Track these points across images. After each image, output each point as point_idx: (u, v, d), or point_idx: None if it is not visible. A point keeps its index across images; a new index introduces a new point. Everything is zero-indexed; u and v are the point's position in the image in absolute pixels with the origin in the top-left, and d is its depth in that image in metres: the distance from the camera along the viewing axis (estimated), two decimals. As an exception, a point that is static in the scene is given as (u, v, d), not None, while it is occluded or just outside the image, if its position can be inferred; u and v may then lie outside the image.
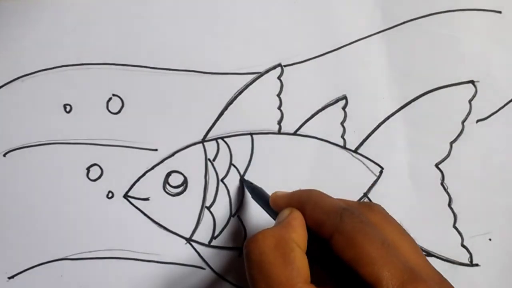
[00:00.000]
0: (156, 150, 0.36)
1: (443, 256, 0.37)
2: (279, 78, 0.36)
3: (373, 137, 0.37)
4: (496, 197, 0.37)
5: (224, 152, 0.36)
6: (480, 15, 0.37)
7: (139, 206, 0.36)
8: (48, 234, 0.35)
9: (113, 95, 0.35)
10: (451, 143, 0.37)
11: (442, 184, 0.37)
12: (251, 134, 0.36)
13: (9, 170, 0.35)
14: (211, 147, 0.36)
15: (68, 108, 0.35)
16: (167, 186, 0.36)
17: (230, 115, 0.36)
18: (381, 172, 0.37)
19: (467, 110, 0.37)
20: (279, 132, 0.36)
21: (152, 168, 0.36)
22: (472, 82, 0.37)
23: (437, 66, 0.37)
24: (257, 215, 0.36)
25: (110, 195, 0.35)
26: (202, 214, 0.36)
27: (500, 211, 0.37)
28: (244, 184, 0.35)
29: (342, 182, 0.37)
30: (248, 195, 0.36)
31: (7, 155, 0.35)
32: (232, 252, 0.36)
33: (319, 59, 0.37)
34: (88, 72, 0.35)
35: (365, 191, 0.37)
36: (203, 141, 0.36)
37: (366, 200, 0.37)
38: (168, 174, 0.36)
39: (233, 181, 0.36)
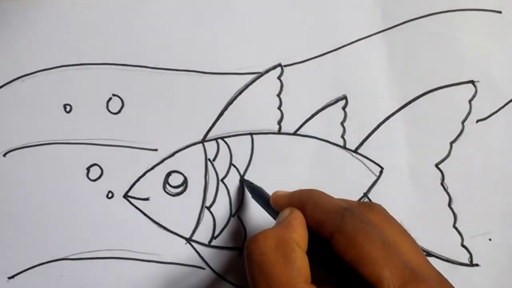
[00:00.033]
0: (156, 150, 0.36)
1: (443, 256, 0.37)
2: (279, 78, 0.36)
3: (373, 137, 0.37)
4: (496, 197, 0.37)
5: (224, 152, 0.36)
6: (480, 15, 0.37)
7: (139, 206, 0.36)
8: (48, 234, 0.35)
9: (113, 95, 0.35)
10: (451, 143, 0.37)
11: (442, 184, 0.37)
12: (251, 134, 0.36)
13: (9, 170, 0.35)
14: (211, 147, 0.36)
15: (68, 108, 0.35)
16: (167, 186, 0.36)
17: (230, 115, 0.36)
18: (381, 172, 0.37)
19: (467, 110, 0.37)
20: (279, 132, 0.36)
21: (152, 168, 0.36)
22: (472, 82, 0.37)
23: (437, 66, 0.37)
24: (257, 215, 0.36)
25: (110, 195, 0.35)
26: (202, 214, 0.36)
27: (500, 211, 0.37)
28: (244, 184, 0.35)
29: (342, 182, 0.37)
30: (248, 195, 0.36)
31: (7, 155, 0.35)
32: (232, 252, 0.36)
33: (319, 59, 0.37)
34: (88, 72, 0.35)
35: (365, 191, 0.37)
36: (203, 141, 0.36)
37: (366, 200, 0.37)
38: (168, 174, 0.36)
39: (233, 181, 0.36)
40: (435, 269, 0.24)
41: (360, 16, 0.37)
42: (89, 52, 0.35)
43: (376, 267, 0.22)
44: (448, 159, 0.37)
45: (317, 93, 0.37)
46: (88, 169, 0.35)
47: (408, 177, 0.37)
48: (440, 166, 0.37)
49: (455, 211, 0.37)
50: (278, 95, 0.36)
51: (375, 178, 0.37)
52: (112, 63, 0.35)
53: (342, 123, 0.37)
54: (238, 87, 0.36)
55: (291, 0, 0.36)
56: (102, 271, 0.35)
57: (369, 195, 0.37)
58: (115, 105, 0.36)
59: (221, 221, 0.36)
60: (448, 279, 0.24)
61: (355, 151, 0.37)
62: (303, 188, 0.29)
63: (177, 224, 0.36)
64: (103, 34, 0.35)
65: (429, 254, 0.37)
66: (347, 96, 0.37)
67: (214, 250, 0.36)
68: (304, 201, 0.26)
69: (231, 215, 0.36)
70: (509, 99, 0.37)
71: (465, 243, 0.37)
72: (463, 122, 0.37)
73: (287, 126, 0.37)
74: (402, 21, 0.37)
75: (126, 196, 0.35)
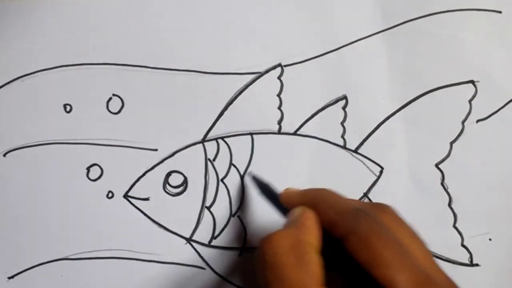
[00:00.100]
0: (156, 150, 0.36)
1: (443, 256, 0.37)
2: (279, 78, 0.36)
3: (373, 137, 0.37)
4: (496, 197, 0.37)
5: (224, 152, 0.36)
6: (480, 15, 0.37)
7: (139, 206, 0.36)
8: (48, 234, 0.35)
9: (113, 95, 0.35)
10: (451, 143, 0.37)
11: (442, 184, 0.37)
12: (251, 134, 0.36)
13: (9, 170, 0.35)
14: (211, 147, 0.36)
15: (68, 108, 0.35)
16: (167, 186, 0.36)
17: (230, 115, 0.36)
18: (381, 172, 0.37)
19: (467, 110, 0.37)
20: (279, 132, 0.36)
21: (152, 168, 0.36)
22: (472, 82, 0.37)
23: (437, 66, 0.37)
24: (257, 215, 0.36)
25: (110, 195, 0.35)
26: (202, 214, 0.36)
27: (500, 211, 0.37)
28: (251, 179, 0.35)
29: (342, 182, 0.37)
30: (248, 195, 0.36)
31: (7, 155, 0.35)
32: (232, 252, 0.36)
33: (319, 59, 0.37)
34: (88, 72, 0.35)
35: (365, 191, 0.37)
36: (203, 141, 0.36)
37: (366, 200, 0.37)
38: (168, 174, 0.36)
39: (233, 181, 0.36)
40: (445, 273, 0.24)
41: (360, 16, 0.37)
42: (89, 52, 0.35)
43: (390, 270, 0.21)
44: (448, 159, 0.37)
45: (317, 93, 0.37)
46: (88, 169, 0.35)
47: (408, 177, 0.37)
48: (440, 166, 0.37)
49: (455, 211, 0.37)
50: (278, 95, 0.36)
51: (375, 178, 0.37)
52: (112, 63, 0.35)
53: (342, 123, 0.37)
54: (238, 87, 0.36)
55: (291, 0, 0.36)
56: (102, 271, 0.35)
57: (369, 195, 0.37)
58: (115, 105, 0.36)
59: (221, 221, 0.36)
60: (449, 280, 0.24)
61: (355, 151, 0.37)
62: (303, 187, 0.29)
63: (177, 224, 0.36)
64: (103, 34, 0.35)
65: (429, 254, 0.37)
66: (347, 96, 0.37)
67: (214, 250, 0.36)
68: (317, 200, 0.26)
69: (231, 215, 0.36)
70: (509, 99, 0.37)
71: (465, 243, 0.37)
72: (463, 122, 0.37)
73: (287, 126, 0.36)
74: (402, 21, 0.37)
75: (126, 196, 0.35)
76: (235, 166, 0.36)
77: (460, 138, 0.37)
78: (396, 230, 0.24)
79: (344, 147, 0.37)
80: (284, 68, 0.36)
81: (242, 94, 0.36)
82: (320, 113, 0.37)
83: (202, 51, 0.36)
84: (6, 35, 0.35)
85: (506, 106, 0.37)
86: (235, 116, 0.36)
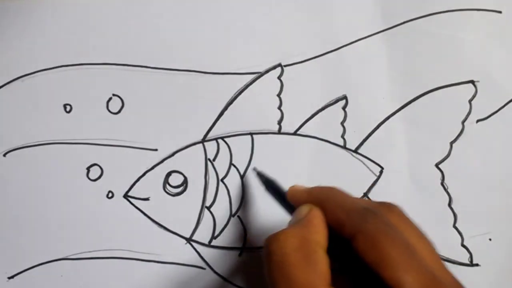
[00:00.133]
0: (156, 150, 0.36)
1: (443, 256, 0.37)
2: (279, 78, 0.36)
3: (373, 137, 0.37)
4: (496, 197, 0.37)
5: (224, 152, 0.36)
6: (480, 15, 0.37)
7: (139, 206, 0.36)
8: (48, 234, 0.35)
9: (113, 95, 0.35)
10: (451, 143, 0.37)
11: (442, 184, 0.37)
12: (251, 134, 0.36)
13: (9, 170, 0.35)
14: (211, 147, 0.36)
15: (68, 108, 0.35)
16: (167, 186, 0.36)
17: (230, 115, 0.36)
18: (381, 172, 0.37)
19: (467, 110, 0.37)
20: (279, 132, 0.36)
21: (152, 168, 0.36)
22: (472, 82, 0.37)
23: (437, 66, 0.37)
24: (257, 215, 0.36)
25: (110, 195, 0.35)
26: (202, 214, 0.36)
27: (500, 211, 0.37)
28: (257, 175, 0.35)
29: (342, 182, 0.37)
30: (248, 195, 0.36)
31: (7, 155, 0.35)
32: (232, 252, 0.36)
33: (319, 59, 0.37)
34: (88, 72, 0.35)
35: (365, 191, 0.37)
36: (203, 141, 0.36)
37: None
38: (168, 174, 0.36)
39: (233, 181, 0.36)
40: (452, 274, 0.24)
41: (360, 16, 0.37)
42: (89, 52, 0.35)
43: (398, 271, 0.21)
44: (448, 159, 0.37)
45: (317, 93, 0.37)
46: (88, 169, 0.35)
47: (408, 177, 0.37)
48: (440, 166, 0.37)
49: (455, 211, 0.37)
50: (278, 95, 0.36)
51: (375, 178, 0.37)
52: (112, 63, 0.35)
53: (342, 123, 0.37)
54: (238, 87, 0.36)
55: (291, 0, 0.36)
56: (102, 271, 0.35)
57: (369, 195, 0.37)
58: (115, 105, 0.36)
59: (221, 221, 0.36)
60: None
61: (355, 151, 0.37)
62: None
63: (177, 224, 0.36)
64: (103, 34, 0.35)
65: (429, 254, 0.37)
66: (347, 96, 0.37)
67: (214, 250, 0.36)
68: (324, 199, 0.26)
69: (231, 215, 0.36)
70: (509, 99, 0.37)
71: (465, 243, 0.37)
72: (463, 122, 0.37)
73: (287, 126, 0.36)
74: (402, 21, 0.37)
75: (126, 196, 0.35)
76: (235, 166, 0.36)
77: (460, 138, 0.37)
78: (404, 230, 0.24)
79: (344, 147, 0.37)
80: (284, 68, 0.36)
81: (242, 94, 0.36)
82: (320, 113, 0.37)
83: (202, 51, 0.36)
84: (6, 35, 0.35)
85: (506, 106, 0.37)
86: (235, 116, 0.36)
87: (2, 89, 0.35)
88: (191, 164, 0.36)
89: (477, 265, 0.37)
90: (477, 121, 0.37)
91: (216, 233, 0.36)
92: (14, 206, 0.35)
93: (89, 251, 0.35)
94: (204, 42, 0.36)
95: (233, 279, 0.36)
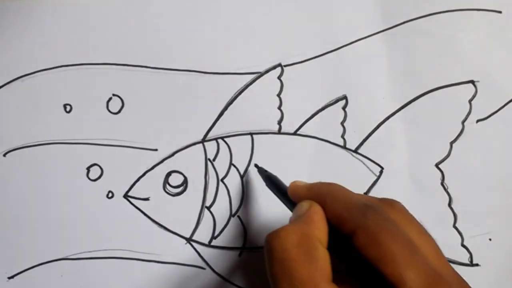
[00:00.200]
0: (156, 150, 0.36)
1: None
2: (279, 78, 0.36)
3: (373, 137, 0.37)
4: (496, 197, 0.37)
5: (224, 152, 0.36)
6: (480, 15, 0.37)
7: (139, 206, 0.36)
8: (48, 234, 0.35)
9: (113, 95, 0.35)
10: (451, 143, 0.37)
11: (442, 184, 0.37)
12: (251, 134, 0.36)
13: (9, 170, 0.35)
14: (211, 147, 0.36)
15: (68, 108, 0.35)
16: (167, 186, 0.36)
17: (230, 115, 0.36)
18: (381, 172, 0.37)
19: (467, 110, 0.37)
20: (279, 132, 0.36)
21: (152, 168, 0.36)
22: (472, 82, 0.37)
23: (437, 66, 0.37)
24: (257, 215, 0.36)
25: (110, 195, 0.35)
26: (202, 214, 0.36)
27: (500, 211, 0.37)
28: (258, 171, 0.35)
29: (342, 182, 0.36)
30: (248, 195, 0.36)
31: (7, 155, 0.35)
32: (232, 252, 0.36)
33: (319, 59, 0.37)
34: (88, 72, 0.35)
35: (365, 191, 0.37)
36: (203, 141, 0.36)
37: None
38: (168, 174, 0.36)
39: (233, 181, 0.36)
40: (454, 270, 0.24)
41: (360, 16, 0.37)
42: (89, 52, 0.35)
43: (399, 267, 0.21)
44: (448, 159, 0.37)
45: (317, 93, 0.37)
46: (88, 169, 0.35)
47: (408, 177, 0.37)
48: (440, 166, 0.37)
49: (455, 211, 0.37)
50: (278, 95, 0.36)
51: (375, 178, 0.37)
52: (112, 63, 0.35)
53: (342, 123, 0.37)
54: (238, 87, 0.36)
55: (291, 0, 0.36)
56: (102, 271, 0.35)
57: (369, 195, 0.37)
58: (115, 105, 0.36)
59: (221, 221, 0.36)
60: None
61: (355, 151, 0.37)
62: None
63: (177, 224, 0.36)
64: (103, 34, 0.35)
65: (429, 254, 0.37)
66: (347, 96, 0.37)
67: (214, 250, 0.36)
68: (324, 195, 0.26)
69: (231, 215, 0.36)
70: (509, 99, 0.37)
71: (465, 243, 0.37)
72: (463, 122, 0.37)
73: (287, 126, 0.36)
74: (402, 21, 0.37)
75: (126, 196, 0.35)
76: (235, 166, 0.36)
77: (460, 138, 0.37)
78: (405, 226, 0.24)
79: (344, 147, 0.37)
80: (284, 68, 0.36)
81: (242, 94, 0.36)
82: (320, 113, 0.37)
83: (202, 51, 0.36)
84: (6, 35, 0.35)
85: (506, 106, 0.37)
86: (235, 116, 0.36)
87: (2, 89, 0.35)
88: (191, 164, 0.36)
89: (477, 265, 0.37)
90: (477, 121, 0.37)
91: (216, 233, 0.36)
92: (14, 206, 0.35)
93: (89, 251, 0.35)
94: (204, 42, 0.36)
95: (233, 279, 0.36)
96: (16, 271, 0.35)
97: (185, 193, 0.36)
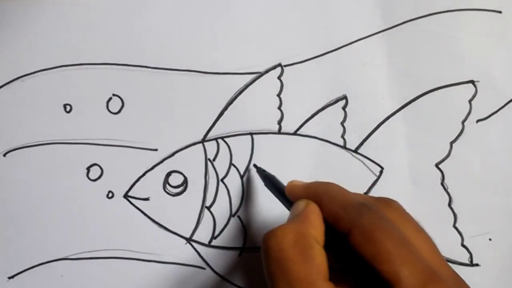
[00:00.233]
0: (156, 150, 0.36)
1: (443, 256, 0.37)
2: (279, 78, 0.36)
3: (373, 137, 0.37)
4: (496, 197, 0.37)
5: (224, 152, 0.36)
6: (480, 15, 0.37)
7: (139, 206, 0.36)
8: (48, 234, 0.35)
9: (113, 95, 0.35)
10: (451, 143, 0.37)
11: (442, 184, 0.37)
12: (251, 134, 0.36)
13: (9, 170, 0.35)
14: (211, 147, 0.36)
15: (68, 108, 0.35)
16: (167, 186, 0.36)
17: (230, 115, 0.36)
18: (381, 172, 0.37)
19: (467, 110, 0.37)
20: (279, 132, 0.36)
21: (152, 168, 0.36)
22: (472, 82, 0.37)
23: (437, 66, 0.37)
24: (257, 215, 0.36)
25: (110, 195, 0.35)
26: (202, 214, 0.36)
27: (500, 211, 0.37)
28: (257, 171, 0.35)
29: (342, 182, 0.36)
30: (248, 195, 0.36)
31: (7, 155, 0.35)
32: (232, 252, 0.36)
33: (319, 59, 0.37)
34: (88, 72, 0.35)
35: (365, 191, 0.37)
36: (203, 141, 0.36)
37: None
38: (168, 174, 0.36)
39: (233, 181, 0.36)
40: (451, 268, 0.24)
41: (360, 16, 0.37)
42: (89, 52, 0.35)
43: (395, 265, 0.21)
44: (448, 159, 0.37)
45: (317, 93, 0.37)
46: (88, 169, 0.35)
47: (408, 177, 0.37)
48: (440, 166, 0.37)
49: (455, 211, 0.37)
50: (278, 95, 0.36)
51: (375, 178, 0.37)
52: (112, 63, 0.35)
53: (342, 123, 0.37)
54: (238, 87, 0.36)
55: (291, 0, 0.36)
56: (102, 271, 0.35)
57: (369, 195, 0.37)
58: (115, 105, 0.36)
59: (221, 221, 0.36)
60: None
61: (355, 151, 0.37)
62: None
63: (177, 224, 0.36)
64: (103, 34, 0.35)
65: (429, 254, 0.37)
66: (347, 96, 0.37)
67: (214, 250, 0.36)
68: (321, 194, 0.26)
69: (231, 215, 0.36)
70: (509, 99, 0.37)
71: (465, 243, 0.37)
72: (463, 122, 0.37)
73: (287, 126, 0.36)
74: (402, 21, 0.37)
75: (126, 196, 0.35)
76: (235, 166, 0.36)
77: (460, 138, 0.37)
78: (401, 225, 0.24)
79: (344, 147, 0.37)
80: (284, 68, 0.36)
81: (242, 94, 0.36)
82: (320, 113, 0.37)
83: (202, 51, 0.36)
84: (6, 35, 0.35)
85: (506, 106, 0.37)
86: (235, 116, 0.36)
87: (2, 89, 0.35)
88: (191, 164, 0.36)
89: (477, 265, 0.37)
90: (477, 121, 0.37)
91: (216, 233, 0.36)
92: (14, 206, 0.35)
93: (89, 251, 0.35)
94: (204, 42, 0.36)
95: (233, 279, 0.36)
96: (16, 271, 0.35)
97: (185, 193, 0.36)
